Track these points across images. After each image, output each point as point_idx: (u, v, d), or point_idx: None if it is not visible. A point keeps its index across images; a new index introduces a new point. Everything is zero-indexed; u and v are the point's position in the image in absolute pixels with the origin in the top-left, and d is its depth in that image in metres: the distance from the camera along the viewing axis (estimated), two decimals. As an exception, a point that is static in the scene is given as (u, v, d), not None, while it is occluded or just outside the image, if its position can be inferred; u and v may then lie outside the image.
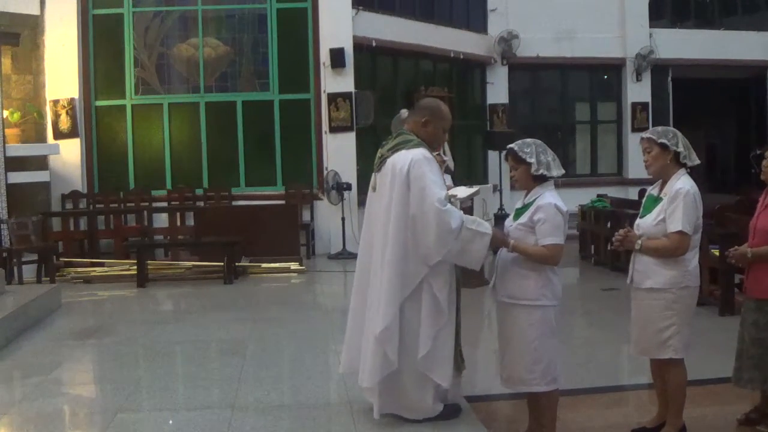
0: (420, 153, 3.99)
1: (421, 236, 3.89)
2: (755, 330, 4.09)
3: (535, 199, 3.87)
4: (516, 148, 3.90)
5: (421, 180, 3.89)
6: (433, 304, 3.95)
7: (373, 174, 4.30)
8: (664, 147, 3.98)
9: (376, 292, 4.03)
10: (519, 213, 3.93)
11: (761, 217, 4.16)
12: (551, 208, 3.79)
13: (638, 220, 4.10)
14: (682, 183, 3.93)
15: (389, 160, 4.07)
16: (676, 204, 3.87)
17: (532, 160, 3.83)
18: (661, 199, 3.99)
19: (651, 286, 3.95)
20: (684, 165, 4.01)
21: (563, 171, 3.94)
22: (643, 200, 4.19)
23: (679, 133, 4.05)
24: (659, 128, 4.12)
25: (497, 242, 3.89)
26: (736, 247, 4.23)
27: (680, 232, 3.84)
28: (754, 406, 4.27)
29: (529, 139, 3.96)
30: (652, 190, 4.14)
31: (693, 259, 3.96)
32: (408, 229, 3.92)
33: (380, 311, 3.95)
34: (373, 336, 3.97)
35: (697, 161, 4.04)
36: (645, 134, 4.11)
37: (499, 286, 3.96)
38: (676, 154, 3.98)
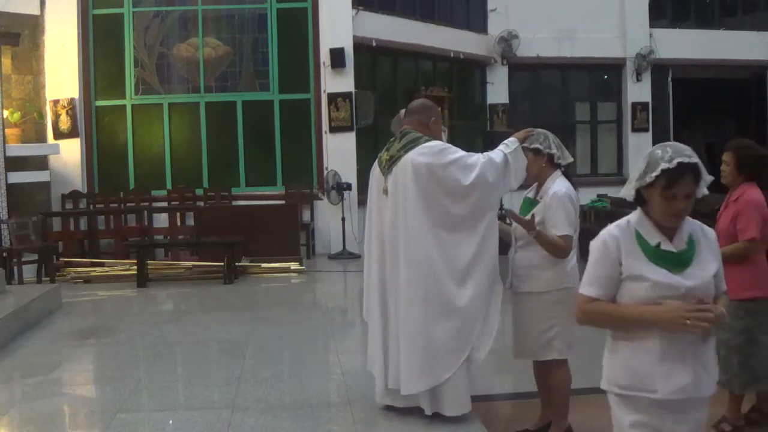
0: (437, 143, 4.13)
1: (488, 193, 4.06)
2: (721, 331, 4.06)
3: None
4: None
5: (452, 160, 4.04)
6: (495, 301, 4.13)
7: (379, 176, 4.25)
8: (536, 151, 4.02)
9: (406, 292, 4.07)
10: None
11: (721, 218, 4.15)
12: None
13: (514, 224, 4.05)
14: (558, 186, 3.93)
15: (404, 159, 4.08)
16: (555, 208, 3.87)
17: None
18: (537, 201, 4.00)
19: (530, 290, 3.97)
20: (558, 166, 4.03)
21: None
22: (521, 203, 4.17)
23: (550, 134, 4.08)
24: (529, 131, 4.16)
25: None
26: None
27: (564, 236, 3.85)
28: (752, 405, 4.27)
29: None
30: (529, 193, 4.15)
31: (571, 259, 3.96)
32: (443, 215, 4.03)
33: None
34: (422, 347, 4.00)
35: (570, 159, 4.07)
36: None
37: None
38: (550, 156, 4.00)
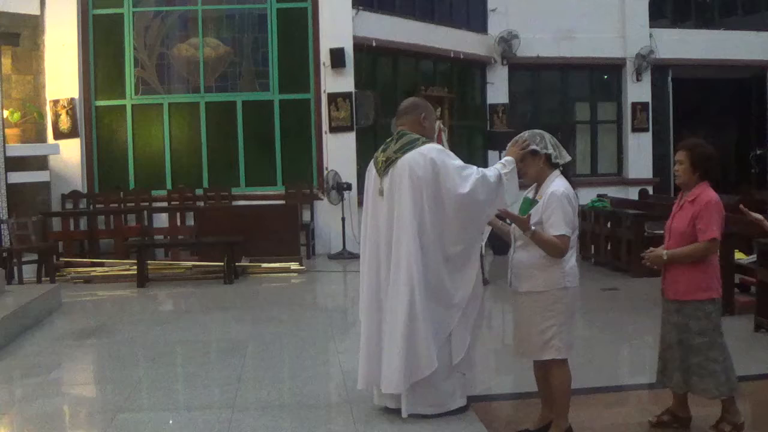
0: (434, 147, 4.18)
1: (477, 207, 4.14)
2: (676, 331, 4.03)
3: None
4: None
5: (448, 166, 4.11)
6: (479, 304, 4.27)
7: (375, 177, 4.27)
8: (534, 153, 4.02)
9: (399, 293, 4.11)
10: None
11: (676, 218, 4.13)
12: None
13: (513, 224, 4.06)
14: (556, 185, 3.93)
15: (401, 161, 4.12)
16: (553, 208, 3.87)
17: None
18: (536, 201, 4.00)
19: (529, 290, 3.96)
20: (557, 165, 4.03)
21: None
22: (520, 203, 4.14)
23: (546, 134, 4.08)
24: (525, 134, 4.14)
25: None
26: (652, 249, 4.20)
27: (561, 236, 3.85)
28: (666, 408, 4.23)
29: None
30: (528, 193, 4.14)
31: (570, 259, 3.95)
32: (438, 220, 4.10)
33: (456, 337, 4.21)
34: (402, 340, 4.07)
35: (568, 158, 4.07)
36: None
37: None
38: (548, 156, 4.01)
